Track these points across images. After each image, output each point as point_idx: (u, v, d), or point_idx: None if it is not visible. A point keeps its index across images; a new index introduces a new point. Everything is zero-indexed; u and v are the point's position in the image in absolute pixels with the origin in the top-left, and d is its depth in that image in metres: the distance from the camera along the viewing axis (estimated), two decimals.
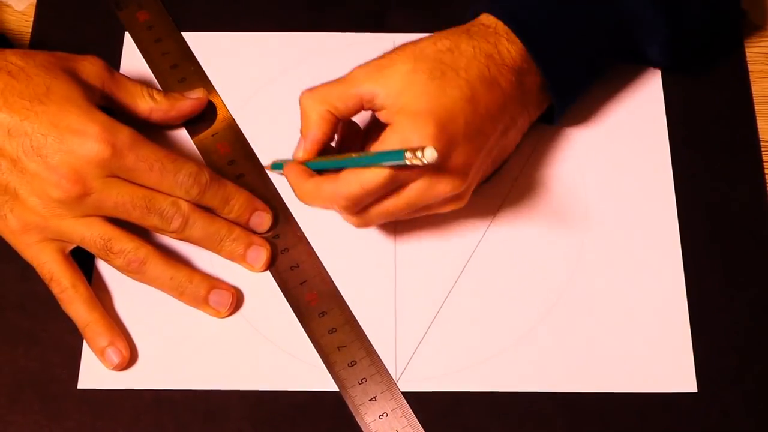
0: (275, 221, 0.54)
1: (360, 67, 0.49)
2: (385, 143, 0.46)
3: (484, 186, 0.54)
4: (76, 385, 0.50)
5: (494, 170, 0.54)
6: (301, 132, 0.50)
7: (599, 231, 0.54)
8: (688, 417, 0.50)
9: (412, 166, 0.44)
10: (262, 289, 0.53)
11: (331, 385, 0.50)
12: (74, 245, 0.50)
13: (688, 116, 0.57)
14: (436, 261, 0.53)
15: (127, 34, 0.59)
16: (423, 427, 0.49)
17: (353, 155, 0.48)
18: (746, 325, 0.52)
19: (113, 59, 0.58)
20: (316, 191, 0.49)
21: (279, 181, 0.55)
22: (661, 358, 0.51)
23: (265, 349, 0.51)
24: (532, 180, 0.55)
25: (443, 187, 0.47)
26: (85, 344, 0.51)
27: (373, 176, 0.46)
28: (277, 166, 0.54)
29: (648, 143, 0.56)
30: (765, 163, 0.56)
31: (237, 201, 0.52)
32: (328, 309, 0.52)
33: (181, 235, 0.50)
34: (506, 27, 0.50)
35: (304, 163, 0.50)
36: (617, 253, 0.54)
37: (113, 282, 0.53)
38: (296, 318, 0.52)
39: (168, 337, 0.52)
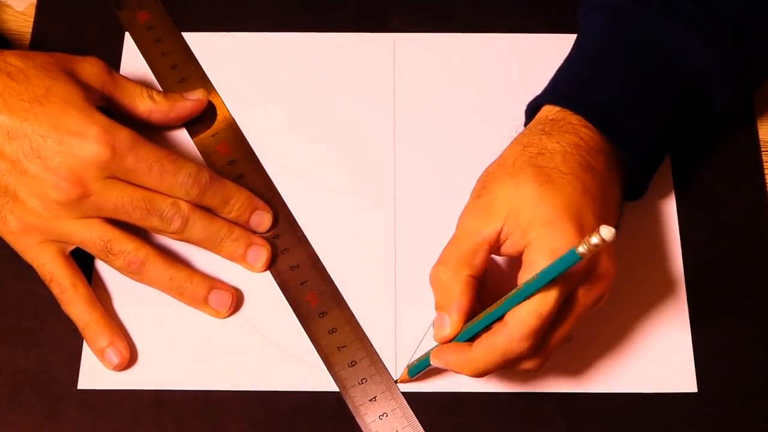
0: (275, 221, 0.54)
1: (464, 217, 0.47)
2: (534, 265, 0.43)
3: None
4: (76, 386, 0.50)
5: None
6: (438, 308, 0.46)
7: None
8: (688, 417, 0.50)
9: (589, 254, 0.39)
10: (262, 290, 0.53)
11: (331, 386, 0.50)
12: (74, 246, 0.50)
13: None
14: (436, 260, 0.53)
15: (127, 34, 0.59)
16: (423, 428, 0.49)
17: (501, 301, 0.44)
18: (746, 325, 0.52)
19: (113, 59, 0.58)
20: (488, 352, 0.44)
21: (281, 181, 0.55)
22: (661, 358, 0.51)
23: (265, 350, 0.51)
24: None
25: (605, 275, 0.45)
26: (85, 345, 0.51)
27: (544, 299, 0.42)
28: (416, 368, 0.49)
29: None
30: (765, 163, 0.56)
31: (237, 200, 0.52)
32: (328, 309, 0.52)
33: (181, 236, 0.50)
34: (578, 116, 0.48)
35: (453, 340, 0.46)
36: (617, 253, 0.53)
37: (113, 282, 0.53)
38: (296, 318, 0.52)
39: (168, 337, 0.52)
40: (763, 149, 0.57)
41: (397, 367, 0.51)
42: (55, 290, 0.50)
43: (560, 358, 0.51)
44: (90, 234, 0.49)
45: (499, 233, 0.46)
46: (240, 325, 0.52)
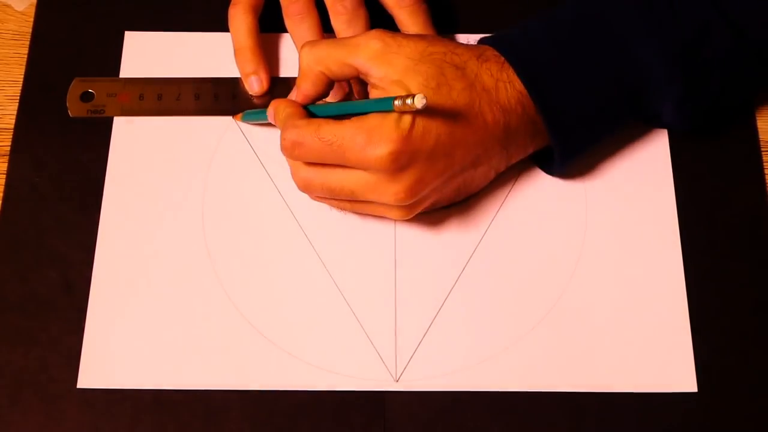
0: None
1: (369, 38, 0.49)
2: (354, 124, 0.47)
3: (483, 186, 0.54)
4: (76, 385, 0.50)
5: (457, 200, 0.53)
6: (296, 83, 0.51)
7: (599, 231, 0.54)
8: (688, 417, 0.50)
9: (398, 110, 0.44)
10: (262, 290, 0.53)
11: (332, 385, 0.50)
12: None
13: None
14: (436, 261, 0.53)
15: (127, 34, 0.59)
16: (423, 427, 0.49)
17: (339, 103, 0.50)
18: (746, 325, 0.52)
19: (113, 59, 0.58)
20: (286, 120, 0.50)
21: (281, 181, 0.55)
22: (661, 357, 0.51)
23: (266, 349, 0.51)
24: (532, 180, 0.55)
25: (390, 192, 0.47)
26: (84, 344, 0.51)
27: (333, 128, 0.47)
28: (251, 115, 0.56)
29: (648, 143, 0.56)
30: (765, 163, 0.56)
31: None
32: None
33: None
34: (514, 73, 0.49)
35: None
36: (617, 253, 0.54)
37: (113, 282, 0.53)
38: (296, 318, 0.52)
39: (168, 337, 0.52)
40: (763, 149, 0.57)
41: (397, 367, 0.51)
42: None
43: (560, 357, 0.51)
44: None
45: (369, 75, 0.48)
46: (240, 324, 0.52)
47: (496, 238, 0.54)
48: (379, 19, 0.55)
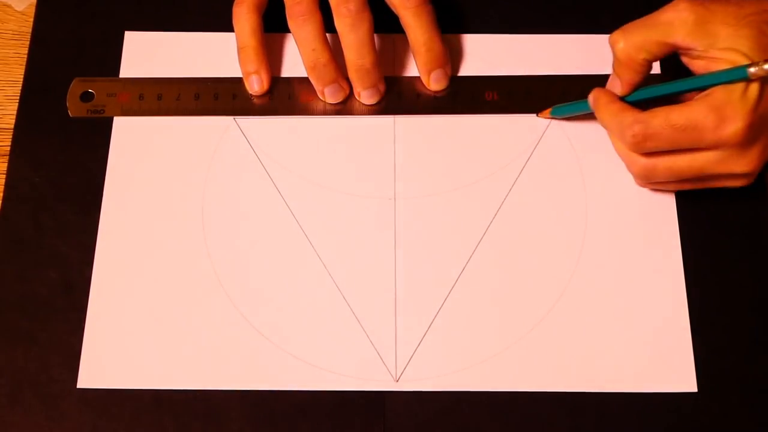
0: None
1: (679, 11, 0.48)
2: (702, 104, 0.46)
3: (483, 186, 0.54)
4: (76, 385, 0.50)
5: None
6: (614, 71, 0.51)
7: (599, 231, 0.54)
8: (688, 417, 0.50)
9: (758, 76, 0.44)
10: (262, 290, 0.53)
11: (332, 385, 0.50)
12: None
13: None
14: (436, 260, 0.53)
15: (127, 34, 0.59)
16: (423, 427, 0.49)
17: (677, 81, 0.49)
18: (746, 325, 0.52)
19: (113, 59, 0.58)
20: (618, 115, 0.49)
21: (281, 181, 0.55)
22: (661, 357, 0.51)
23: (266, 349, 0.51)
24: (532, 180, 0.55)
25: (741, 163, 0.48)
26: (84, 344, 0.51)
27: (682, 113, 0.46)
28: (564, 109, 0.55)
29: None
30: None
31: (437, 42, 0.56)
32: None
33: (343, 22, 0.54)
34: None
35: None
36: (617, 253, 0.54)
37: (113, 282, 0.53)
38: (297, 316, 0.52)
39: (168, 337, 0.52)
40: None
41: (397, 367, 0.51)
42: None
43: (561, 357, 0.51)
44: None
45: (692, 49, 0.48)
46: (240, 324, 0.52)
47: (496, 237, 0.54)
48: (385, 17, 0.55)
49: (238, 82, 0.58)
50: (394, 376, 0.51)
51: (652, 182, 0.52)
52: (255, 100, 0.57)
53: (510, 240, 0.54)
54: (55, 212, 0.54)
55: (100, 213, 0.54)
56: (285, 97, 0.57)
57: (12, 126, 0.57)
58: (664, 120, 0.47)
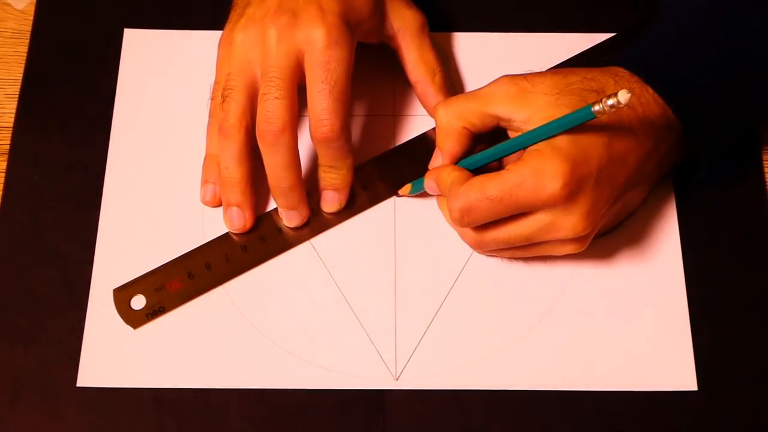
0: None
1: (500, 84, 0.48)
2: (516, 171, 0.45)
3: None
4: (76, 384, 0.50)
5: (616, 223, 0.53)
6: (437, 145, 0.50)
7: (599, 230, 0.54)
8: (688, 415, 0.50)
9: (604, 114, 0.43)
10: (262, 289, 0.53)
11: (332, 384, 0.50)
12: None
13: None
14: (436, 260, 0.53)
15: (126, 32, 0.59)
16: (423, 426, 0.49)
17: (495, 147, 0.48)
18: (746, 325, 0.52)
19: (113, 59, 0.58)
20: (451, 185, 0.48)
21: None
22: (661, 356, 0.51)
23: (266, 348, 0.51)
24: None
25: (567, 225, 0.46)
26: (84, 343, 0.51)
27: (497, 182, 0.45)
28: (417, 186, 0.53)
29: None
30: (765, 163, 0.56)
31: (342, 172, 0.52)
32: None
33: (264, 140, 0.49)
34: (654, 93, 0.48)
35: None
36: (617, 253, 0.54)
37: (113, 281, 0.53)
38: (297, 315, 0.52)
39: (168, 336, 0.52)
40: (763, 149, 0.57)
41: (397, 366, 0.51)
42: (222, 123, 0.50)
43: (561, 356, 0.51)
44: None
45: (512, 121, 0.48)
46: (240, 323, 0.52)
47: None
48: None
49: None
50: (394, 375, 0.51)
51: (486, 252, 0.51)
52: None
53: None
54: (55, 211, 0.54)
55: (100, 211, 0.54)
56: None
57: (12, 125, 0.57)
58: (480, 192, 0.46)
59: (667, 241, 0.54)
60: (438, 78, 0.55)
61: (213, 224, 0.54)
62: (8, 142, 0.56)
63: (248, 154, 0.51)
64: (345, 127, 0.50)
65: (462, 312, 0.52)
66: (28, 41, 0.59)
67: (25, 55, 0.59)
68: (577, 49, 0.59)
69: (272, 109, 0.48)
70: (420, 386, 0.51)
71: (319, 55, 0.48)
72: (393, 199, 0.55)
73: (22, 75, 0.58)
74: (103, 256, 0.53)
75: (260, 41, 0.49)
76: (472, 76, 0.58)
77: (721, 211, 0.55)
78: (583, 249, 0.49)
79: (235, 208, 0.52)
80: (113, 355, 0.51)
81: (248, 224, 0.53)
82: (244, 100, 0.50)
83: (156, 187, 0.55)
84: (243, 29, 0.50)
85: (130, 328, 0.51)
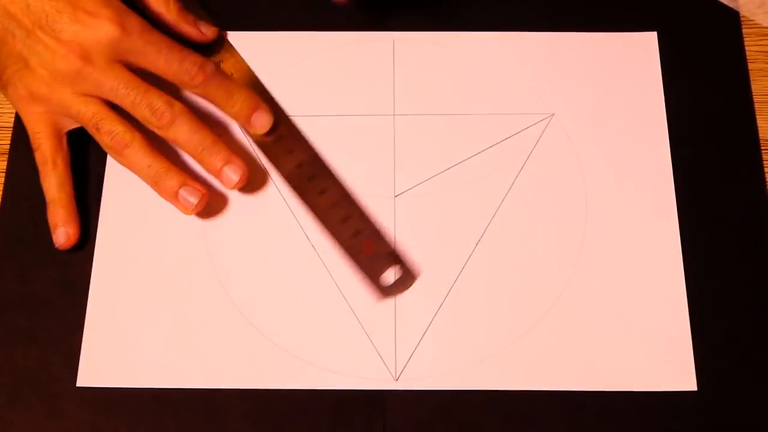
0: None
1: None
2: None
3: (483, 185, 0.54)
4: (75, 384, 0.50)
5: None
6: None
7: (599, 231, 0.54)
8: (688, 415, 0.50)
9: None
10: (262, 289, 0.53)
11: (331, 384, 0.50)
12: (71, 127, 0.53)
13: (687, 115, 0.57)
14: (436, 259, 0.53)
15: None
16: (423, 426, 0.49)
17: None
18: (746, 325, 0.52)
19: None
20: None
21: (280, 180, 0.55)
22: (661, 356, 0.51)
23: (266, 348, 0.51)
24: (532, 178, 0.55)
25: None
26: (84, 342, 0.51)
27: None
28: None
29: (648, 143, 0.56)
30: (765, 163, 0.56)
31: (240, 95, 0.54)
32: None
33: (167, 132, 0.52)
34: None
35: None
36: (617, 253, 0.54)
37: (113, 281, 0.53)
38: (297, 316, 0.52)
39: (168, 336, 0.52)
40: (763, 149, 0.57)
41: (396, 366, 0.51)
42: (39, 161, 0.53)
43: (560, 356, 0.51)
44: (86, 109, 0.52)
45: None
46: (240, 323, 0.52)
47: (496, 236, 0.54)
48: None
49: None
50: (394, 375, 0.51)
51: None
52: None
53: (510, 238, 0.54)
54: None
55: (99, 211, 0.54)
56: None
57: (11, 124, 0.57)
58: None
59: (667, 240, 0.54)
60: (172, 5, 0.57)
61: (213, 223, 0.54)
62: (8, 142, 0.56)
63: (69, 181, 0.54)
64: (209, 61, 0.53)
65: (462, 312, 0.52)
66: None
67: None
68: (577, 48, 0.59)
69: (154, 103, 0.52)
70: (420, 386, 0.51)
71: (137, 39, 0.52)
72: (393, 200, 0.55)
73: None
74: (102, 256, 0.53)
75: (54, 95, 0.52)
76: (473, 76, 0.58)
77: (721, 210, 0.55)
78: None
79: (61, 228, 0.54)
80: (113, 355, 0.51)
81: (73, 239, 0.53)
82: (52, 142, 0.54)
83: None
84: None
85: (130, 328, 0.51)
